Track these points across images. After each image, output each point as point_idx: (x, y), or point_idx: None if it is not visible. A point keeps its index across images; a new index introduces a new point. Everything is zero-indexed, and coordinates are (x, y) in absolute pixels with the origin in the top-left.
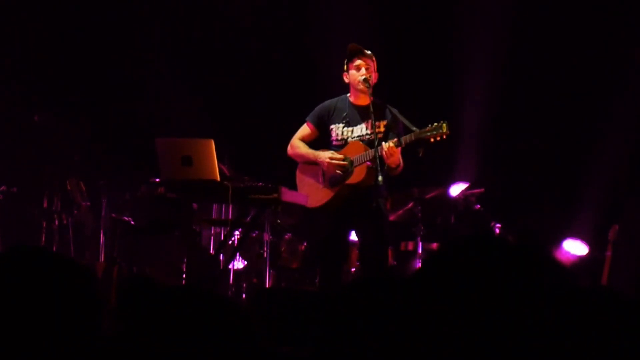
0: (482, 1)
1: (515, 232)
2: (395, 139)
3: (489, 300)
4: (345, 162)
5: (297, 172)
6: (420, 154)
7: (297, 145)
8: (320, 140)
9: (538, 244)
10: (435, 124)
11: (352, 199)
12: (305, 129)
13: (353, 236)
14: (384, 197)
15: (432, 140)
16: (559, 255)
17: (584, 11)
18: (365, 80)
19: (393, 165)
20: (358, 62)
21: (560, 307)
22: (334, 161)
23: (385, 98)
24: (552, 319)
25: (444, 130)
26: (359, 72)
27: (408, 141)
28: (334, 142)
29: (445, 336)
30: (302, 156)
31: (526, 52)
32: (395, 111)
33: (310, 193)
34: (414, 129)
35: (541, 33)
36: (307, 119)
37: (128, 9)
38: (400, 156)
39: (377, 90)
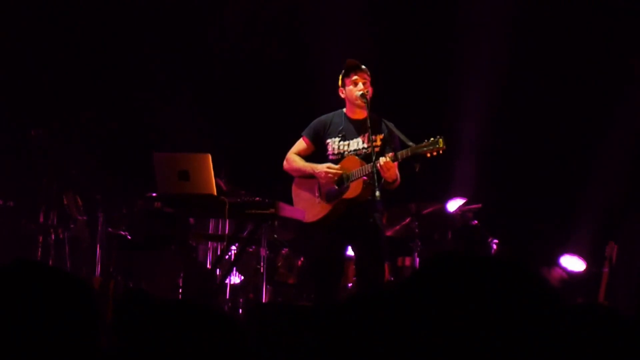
0: (479, 16)
1: (512, 248)
2: (392, 154)
3: (468, 317)
4: (341, 171)
5: (293, 187)
6: (417, 169)
7: (294, 159)
8: (316, 155)
9: (523, 261)
10: (432, 139)
11: (348, 214)
12: (301, 144)
13: (350, 251)
14: (380, 212)
15: (428, 155)
16: (549, 272)
17: (580, 32)
18: (363, 96)
19: (390, 180)
20: (355, 77)
21: (543, 324)
22: (331, 170)
23: (381, 112)
24: (534, 335)
25: (441, 146)
26: (356, 87)
27: (404, 156)
28: (330, 157)
29: (430, 352)
30: (298, 170)
31: (523, 69)
32: (391, 125)
33: (307, 208)
34: (410, 143)
35: (539, 50)
36: (303, 133)
37: (125, 23)
38: (397, 171)
39: (373, 104)
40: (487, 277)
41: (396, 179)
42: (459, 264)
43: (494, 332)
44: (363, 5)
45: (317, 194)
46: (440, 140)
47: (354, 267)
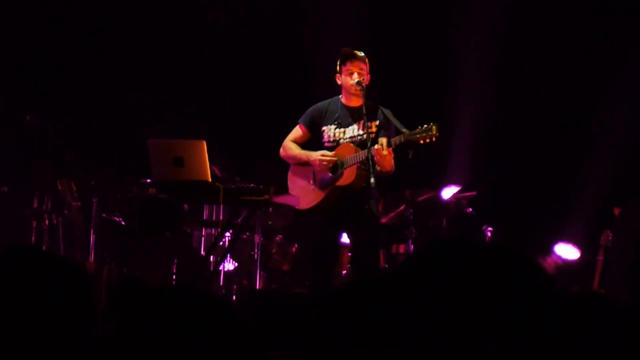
0: (476, 4)
1: (506, 235)
2: (385, 139)
3: (464, 304)
4: (335, 158)
5: (289, 174)
6: (410, 156)
7: (289, 146)
8: (313, 142)
9: (517, 247)
10: (425, 125)
11: (342, 201)
12: (297, 131)
13: (344, 238)
14: (375, 199)
15: (421, 142)
16: (546, 259)
17: (579, 18)
18: (359, 83)
19: (384, 170)
20: (351, 64)
21: (539, 310)
22: (325, 157)
23: (377, 99)
24: (530, 322)
25: (434, 133)
26: (352, 75)
27: (397, 142)
28: (326, 144)
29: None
30: (294, 157)
31: (520, 56)
32: (387, 112)
33: (302, 195)
34: (404, 130)
35: (536, 37)
36: (299, 120)
37: (120, 11)
38: (392, 160)
39: (370, 91)
40: (483, 263)
41: (390, 170)
42: (454, 249)
43: (489, 319)
44: None
45: (312, 182)
46: (434, 127)
47: (348, 254)
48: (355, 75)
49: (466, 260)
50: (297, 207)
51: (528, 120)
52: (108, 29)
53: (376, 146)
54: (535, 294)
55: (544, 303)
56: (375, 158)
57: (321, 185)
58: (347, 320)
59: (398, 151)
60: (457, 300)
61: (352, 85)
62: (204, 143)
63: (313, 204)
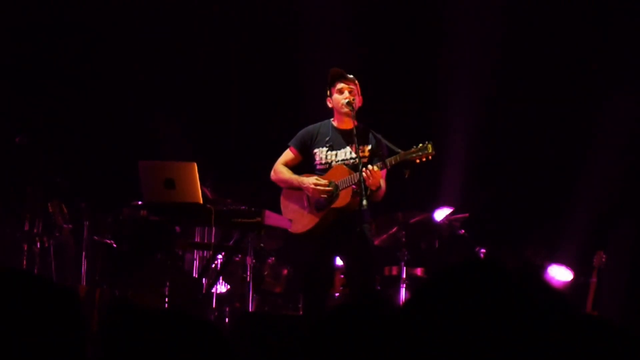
0: (467, 24)
1: (499, 257)
2: (380, 162)
3: (486, 327)
4: (330, 188)
5: (282, 198)
6: (406, 175)
7: (281, 170)
8: (304, 164)
9: (532, 269)
10: (421, 144)
11: (338, 223)
12: (288, 154)
13: (337, 261)
14: (368, 222)
15: (417, 161)
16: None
17: (566, 42)
18: (349, 104)
19: (373, 188)
20: (340, 85)
21: (559, 333)
22: (318, 187)
23: (369, 122)
24: (552, 345)
25: (430, 151)
26: (342, 96)
27: (394, 162)
28: (318, 166)
29: None
30: (285, 181)
31: (511, 77)
32: (379, 136)
33: (296, 218)
34: (399, 151)
35: (526, 58)
36: (290, 143)
37: (110, 31)
38: (382, 179)
39: (361, 114)
40: (500, 286)
41: (380, 187)
42: (472, 273)
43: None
44: (351, 15)
45: (306, 204)
46: (429, 145)
47: (341, 276)
48: (346, 93)
49: (484, 284)
50: (291, 231)
51: (520, 141)
52: (98, 49)
53: (368, 166)
54: (556, 317)
55: (566, 326)
56: (364, 177)
57: (317, 207)
58: (341, 344)
59: (395, 172)
60: (475, 324)
61: (342, 104)
62: (195, 165)
63: (308, 227)
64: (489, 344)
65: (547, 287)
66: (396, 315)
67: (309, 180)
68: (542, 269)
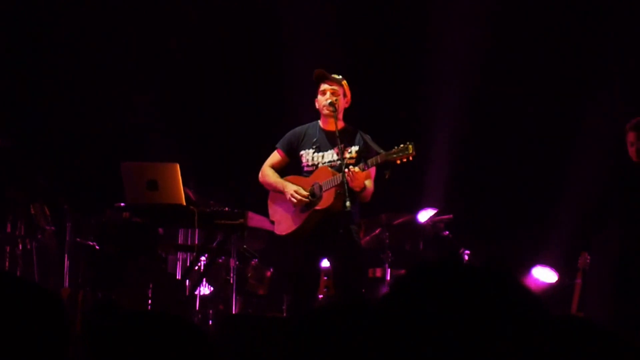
0: (451, 24)
1: (484, 258)
2: (362, 163)
3: (457, 327)
4: (307, 200)
5: (269, 200)
6: (387, 177)
7: (267, 173)
8: (293, 166)
9: (507, 271)
10: (402, 145)
11: (323, 225)
12: (275, 156)
13: (324, 263)
14: (356, 223)
15: (398, 161)
16: (528, 282)
17: (550, 45)
18: (331, 104)
19: (357, 189)
20: (324, 86)
21: (531, 334)
22: (297, 196)
23: (357, 124)
24: (522, 346)
25: (410, 152)
26: (324, 97)
27: (375, 163)
28: (305, 168)
29: None
30: (270, 185)
31: (495, 78)
32: (367, 138)
33: (282, 220)
34: (381, 151)
35: (512, 60)
36: (277, 145)
37: (92, 31)
38: (370, 179)
39: (349, 115)
40: (474, 286)
41: (365, 188)
42: (444, 272)
43: (481, 344)
44: (336, 15)
45: (291, 206)
46: (410, 146)
47: (325, 278)
48: (328, 94)
49: (456, 283)
50: (276, 232)
51: (504, 143)
52: (79, 50)
53: (350, 167)
54: (528, 318)
55: (538, 327)
56: (347, 178)
57: (301, 209)
58: (325, 345)
59: (377, 172)
60: (446, 324)
61: (324, 105)
62: (177, 166)
63: (293, 228)
64: (459, 343)
65: (520, 288)
66: (371, 312)
67: (291, 188)
68: (526, 270)
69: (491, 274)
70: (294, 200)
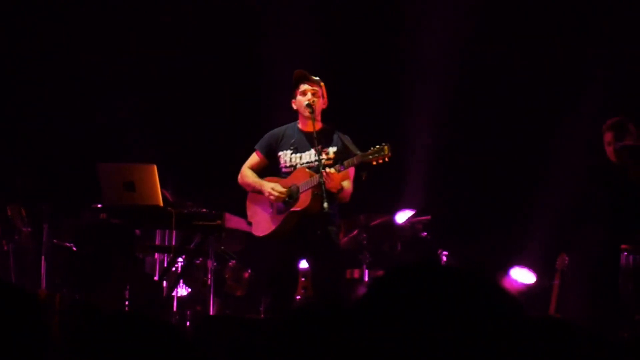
0: (429, 25)
1: (462, 259)
2: (338, 164)
3: (433, 328)
4: (284, 196)
5: (247, 201)
6: (364, 178)
7: (246, 174)
8: (272, 167)
9: (483, 272)
10: (377, 146)
11: (300, 226)
12: (254, 158)
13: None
14: (335, 225)
15: (374, 163)
16: (506, 283)
17: (528, 44)
18: (309, 105)
19: (333, 190)
20: (303, 87)
21: (507, 335)
22: (274, 192)
23: (335, 124)
24: (498, 347)
25: (386, 153)
26: (304, 98)
27: (351, 164)
28: (283, 169)
29: None
30: (249, 185)
31: (473, 78)
32: (345, 138)
33: (260, 221)
34: (358, 152)
35: (489, 60)
36: (256, 147)
37: (68, 32)
38: (345, 181)
39: (327, 115)
40: (451, 287)
41: (341, 189)
42: (421, 274)
43: (457, 345)
44: (314, 17)
45: (269, 208)
46: (386, 147)
47: (303, 279)
48: (309, 95)
49: (433, 284)
50: (254, 234)
51: (483, 144)
52: (56, 52)
53: (327, 168)
54: (504, 319)
55: (512, 328)
56: (324, 179)
57: (278, 210)
58: (303, 346)
59: (355, 174)
60: (423, 325)
61: (304, 106)
62: (155, 167)
63: (270, 229)
64: (437, 345)
65: (497, 289)
66: (349, 314)
67: (268, 185)
68: (504, 271)
69: (468, 275)
70: (273, 196)
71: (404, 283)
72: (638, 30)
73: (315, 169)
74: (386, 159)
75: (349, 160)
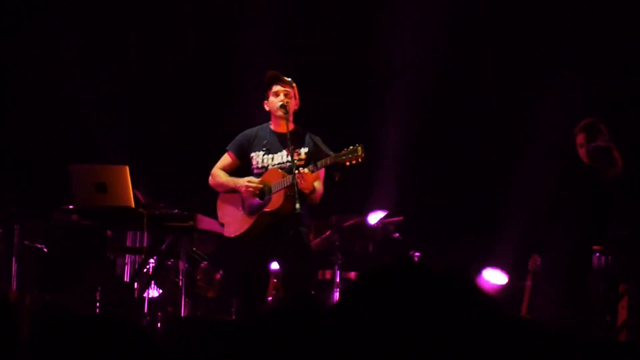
0: (400, 25)
1: (434, 261)
2: (311, 165)
3: (412, 330)
4: (261, 185)
5: (218, 202)
6: (337, 179)
7: (218, 174)
8: (243, 169)
9: (461, 272)
10: (351, 147)
11: (272, 227)
12: (226, 158)
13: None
14: (306, 226)
15: (347, 163)
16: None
17: (499, 46)
18: (282, 106)
19: (306, 191)
20: (276, 88)
21: (486, 336)
22: (251, 184)
23: (306, 125)
24: (477, 347)
25: (360, 153)
26: (277, 98)
27: (324, 165)
28: (255, 170)
29: None
30: (221, 185)
31: (445, 80)
32: (317, 139)
33: (231, 222)
34: (331, 153)
35: (460, 62)
36: (228, 148)
37: (37, 31)
38: (319, 181)
39: (298, 116)
40: (427, 288)
41: (314, 190)
42: (399, 275)
43: (436, 346)
44: (286, 16)
45: (241, 208)
46: (359, 148)
47: (274, 280)
48: (282, 96)
49: (411, 285)
50: (226, 235)
51: (454, 145)
52: (26, 51)
53: (300, 169)
54: (483, 320)
55: (493, 329)
56: (297, 180)
57: (250, 211)
58: (274, 348)
59: (325, 175)
60: (400, 327)
61: (277, 107)
62: (127, 168)
63: (241, 230)
64: (413, 346)
65: (475, 290)
66: (325, 317)
67: (242, 180)
68: (476, 272)
69: (445, 276)
70: (251, 188)
71: (380, 285)
72: (608, 32)
73: (288, 169)
74: (359, 160)
75: (323, 160)
